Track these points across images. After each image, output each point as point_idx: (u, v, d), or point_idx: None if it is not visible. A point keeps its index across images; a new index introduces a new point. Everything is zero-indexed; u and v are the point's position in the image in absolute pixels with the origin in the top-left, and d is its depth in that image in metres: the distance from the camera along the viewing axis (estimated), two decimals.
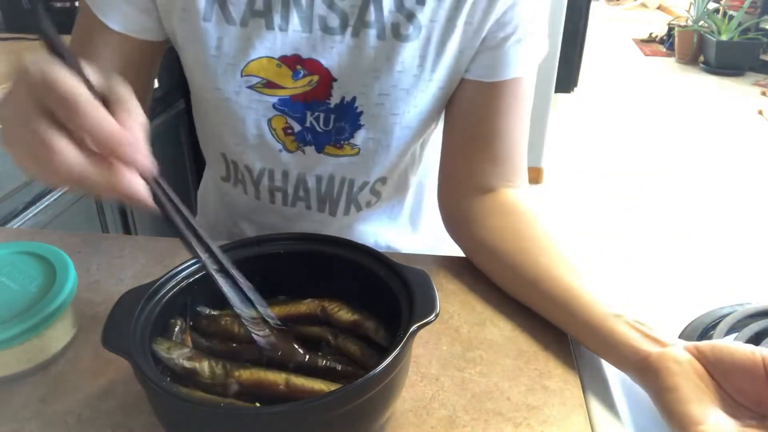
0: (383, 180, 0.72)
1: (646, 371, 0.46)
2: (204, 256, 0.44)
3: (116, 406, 0.48)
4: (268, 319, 0.47)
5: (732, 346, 0.44)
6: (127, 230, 1.60)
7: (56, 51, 0.36)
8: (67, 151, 0.35)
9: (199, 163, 0.80)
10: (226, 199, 0.79)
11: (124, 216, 1.59)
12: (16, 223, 1.22)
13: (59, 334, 0.52)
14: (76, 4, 1.62)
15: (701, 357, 0.45)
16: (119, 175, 0.36)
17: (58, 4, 1.60)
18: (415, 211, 0.83)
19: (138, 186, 0.37)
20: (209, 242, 0.44)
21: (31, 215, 1.26)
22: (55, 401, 0.48)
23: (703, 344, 0.45)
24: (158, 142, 0.80)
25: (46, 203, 1.30)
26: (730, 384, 0.43)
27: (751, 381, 0.42)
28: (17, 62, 0.36)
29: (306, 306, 0.50)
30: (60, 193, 1.34)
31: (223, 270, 0.45)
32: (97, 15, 0.62)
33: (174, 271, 0.48)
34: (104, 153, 0.35)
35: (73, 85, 0.35)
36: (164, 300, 0.46)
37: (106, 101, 0.36)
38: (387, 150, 0.67)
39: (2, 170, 1.18)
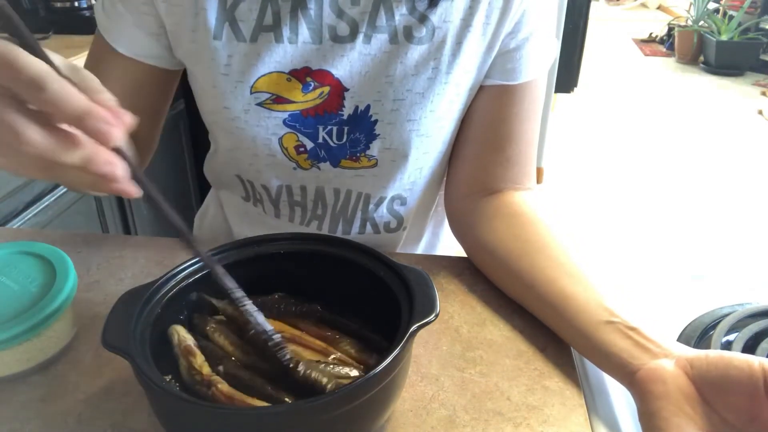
0: (402, 200, 0.70)
1: (632, 388, 0.46)
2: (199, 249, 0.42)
3: (116, 406, 0.48)
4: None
5: (729, 357, 0.41)
6: (127, 230, 1.60)
7: (16, 33, 0.33)
8: (32, 131, 0.32)
9: (199, 164, 0.80)
10: (246, 219, 0.76)
11: (124, 216, 1.59)
12: (16, 223, 1.22)
13: (59, 334, 0.52)
14: (76, 4, 1.61)
15: (694, 373, 0.42)
16: (91, 151, 0.33)
17: (58, 4, 1.60)
18: (431, 243, 0.82)
19: (114, 162, 0.34)
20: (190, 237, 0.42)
21: (31, 215, 1.26)
22: (55, 401, 0.48)
23: (698, 357, 0.43)
24: (158, 142, 0.80)
25: (46, 203, 1.30)
26: (723, 401, 0.41)
27: (748, 397, 0.39)
28: None
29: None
30: (60, 193, 1.34)
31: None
32: (106, 38, 0.62)
33: (174, 271, 0.47)
34: (74, 126, 0.33)
35: (36, 63, 0.32)
36: (164, 300, 0.46)
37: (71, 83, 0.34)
38: (405, 161, 0.65)
39: (2, 170, 1.17)
